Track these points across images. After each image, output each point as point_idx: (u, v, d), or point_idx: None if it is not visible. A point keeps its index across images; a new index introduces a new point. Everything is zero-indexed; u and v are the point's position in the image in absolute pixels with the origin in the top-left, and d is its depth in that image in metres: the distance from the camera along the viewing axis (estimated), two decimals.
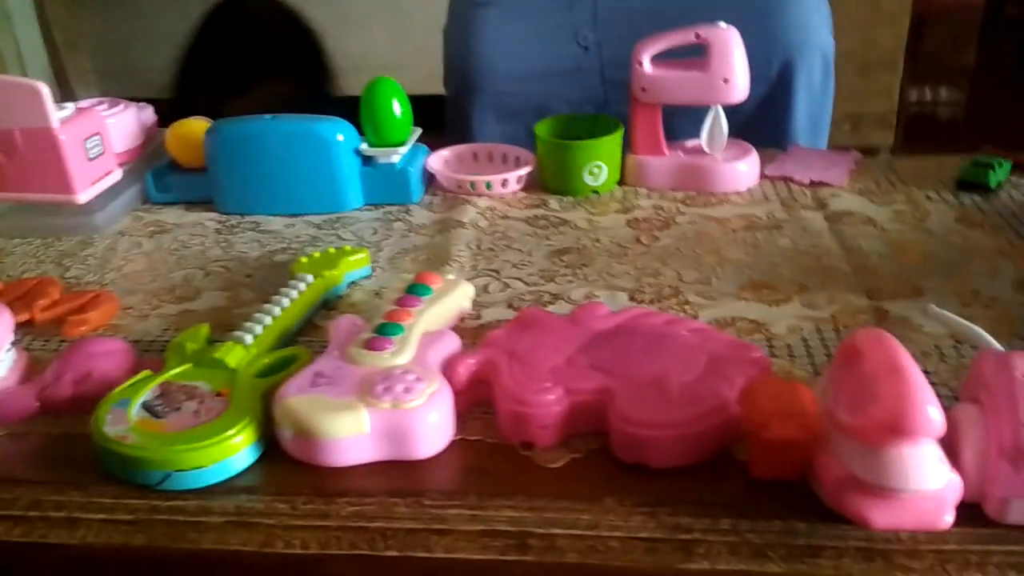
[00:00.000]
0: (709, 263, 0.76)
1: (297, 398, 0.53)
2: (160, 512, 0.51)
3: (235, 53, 2.29)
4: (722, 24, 0.86)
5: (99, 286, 0.77)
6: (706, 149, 0.92)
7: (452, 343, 0.60)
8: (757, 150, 0.93)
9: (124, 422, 0.54)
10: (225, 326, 0.67)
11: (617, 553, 0.47)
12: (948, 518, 0.46)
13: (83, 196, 0.84)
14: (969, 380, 0.51)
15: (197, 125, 0.92)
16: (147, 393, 0.56)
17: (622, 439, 0.52)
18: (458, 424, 0.56)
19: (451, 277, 0.68)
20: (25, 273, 0.80)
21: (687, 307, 0.69)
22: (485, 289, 0.73)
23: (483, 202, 0.91)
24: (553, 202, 0.90)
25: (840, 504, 0.47)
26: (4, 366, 0.61)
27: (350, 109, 0.91)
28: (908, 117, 2.66)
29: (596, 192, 0.92)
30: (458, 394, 0.56)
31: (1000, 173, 0.88)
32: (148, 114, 0.99)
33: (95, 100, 0.94)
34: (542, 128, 0.94)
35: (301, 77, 2.33)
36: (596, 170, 0.90)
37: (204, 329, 0.63)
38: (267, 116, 0.89)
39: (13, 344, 0.62)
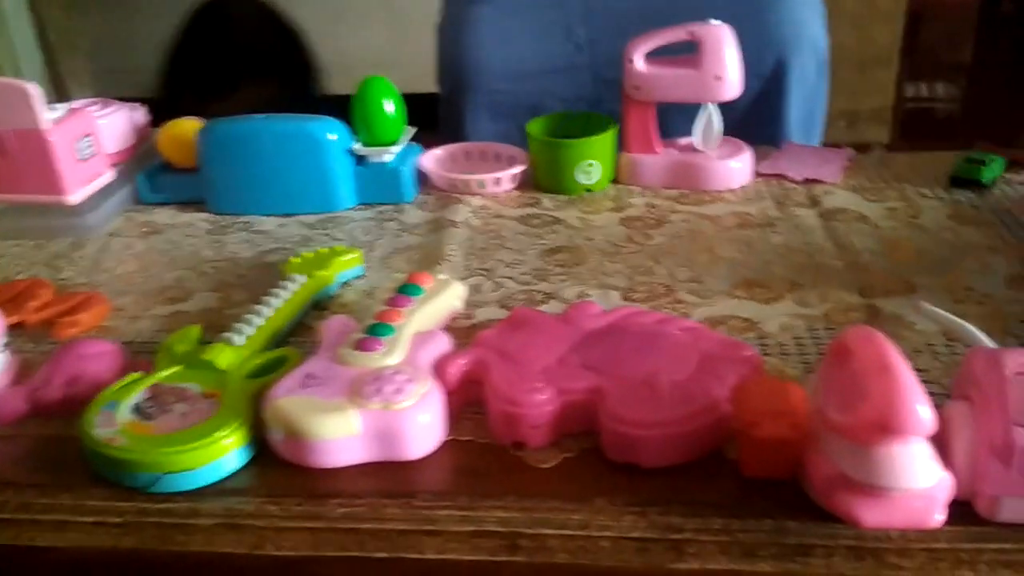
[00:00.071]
0: (702, 261, 0.76)
1: (287, 399, 0.53)
2: (150, 515, 0.51)
3: (218, 54, 2.29)
4: (714, 21, 0.86)
5: (90, 288, 0.77)
6: (699, 147, 0.91)
7: (443, 343, 0.60)
8: (751, 147, 0.93)
9: (113, 424, 0.53)
10: (217, 327, 0.67)
11: (608, 553, 0.47)
12: (939, 516, 0.46)
13: (74, 197, 0.84)
14: (960, 378, 0.51)
15: (189, 125, 0.91)
16: (137, 395, 0.56)
17: (613, 439, 0.52)
18: (449, 424, 0.56)
19: (443, 277, 0.68)
20: (17, 275, 0.80)
21: (679, 306, 0.69)
22: (477, 289, 0.73)
23: (476, 201, 0.90)
24: (546, 201, 0.90)
25: (830, 503, 0.47)
26: None
27: (343, 108, 0.91)
28: (905, 113, 2.66)
29: (589, 191, 0.92)
30: (449, 394, 0.56)
31: (993, 169, 0.88)
32: (140, 114, 0.99)
33: (87, 101, 0.94)
34: (535, 127, 0.94)
35: (285, 77, 2.33)
36: (589, 168, 0.90)
37: (195, 330, 0.63)
38: (259, 116, 0.88)
39: (4, 346, 0.62)
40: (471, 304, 0.71)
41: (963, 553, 0.46)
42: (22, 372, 0.63)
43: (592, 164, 0.90)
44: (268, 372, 0.58)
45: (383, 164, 0.89)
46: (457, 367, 0.57)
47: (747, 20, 0.95)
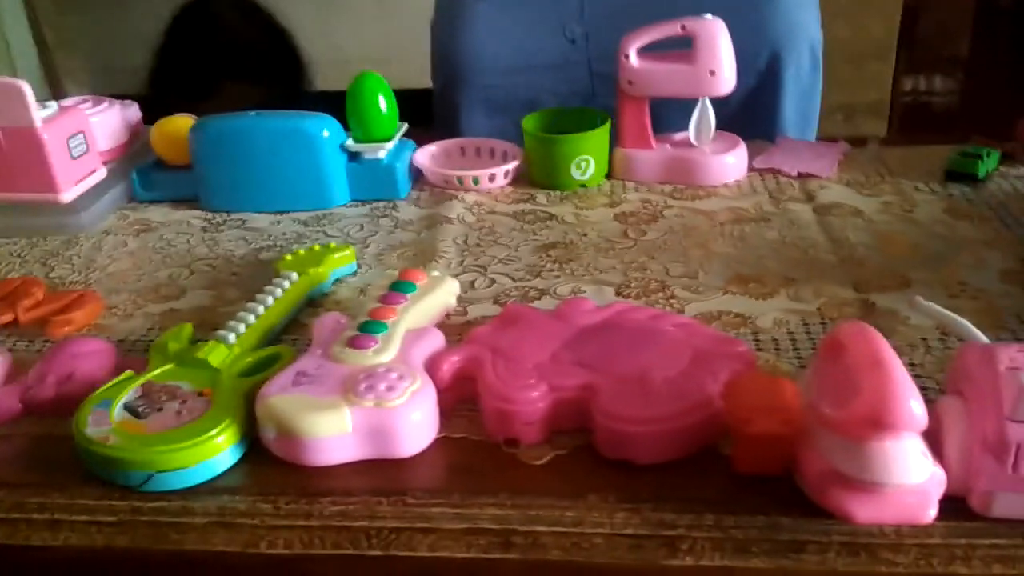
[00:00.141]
0: (696, 257, 0.76)
1: (279, 397, 0.53)
2: (142, 513, 0.51)
3: (203, 53, 2.28)
4: (708, 16, 0.86)
5: (84, 286, 0.77)
6: (694, 142, 0.91)
7: (436, 340, 0.60)
8: (746, 142, 0.93)
9: (106, 423, 0.53)
10: (210, 325, 0.67)
11: (601, 550, 0.47)
12: (931, 512, 0.46)
13: (67, 195, 0.84)
14: (953, 373, 0.51)
15: (182, 122, 0.91)
16: (129, 394, 0.56)
17: (606, 435, 0.52)
18: (443, 421, 0.56)
19: (436, 274, 0.68)
20: (9, 273, 0.80)
21: (673, 301, 0.69)
22: (471, 285, 0.73)
23: (470, 197, 0.90)
24: (541, 196, 0.90)
25: (823, 499, 0.47)
26: None
27: (336, 104, 0.91)
28: (902, 107, 2.66)
29: (584, 186, 0.91)
30: (442, 391, 0.56)
31: (989, 163, 0.88)
32: (133, 112, 0.98)
33: (79, 99, 0.94)
34: (529, 122, 0.93)
35: (274, 75, 2.32)
36: (584, 164, 0.90)
37: (187, 328, 0.63)
38: (252, 112, 0.88)
39: None
40: (465, 300, 0.71)
41: (956, 549, 0.46)
42: (15, 371, 0.63)
43: (586, 160, 0.90)
44: (261, 370, 0.58)
45: (377, 160, 0.89)
46: (450, 364, 0.57)
47: (742, 15, 0.95)
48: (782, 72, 1.10)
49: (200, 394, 0.56)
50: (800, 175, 0.91)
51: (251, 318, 0.63)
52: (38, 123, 0.81)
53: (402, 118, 0.93)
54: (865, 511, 0.45)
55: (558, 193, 0.91)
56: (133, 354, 0.66)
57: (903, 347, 0.61)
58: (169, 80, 2.31)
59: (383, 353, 0.56)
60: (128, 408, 0.55)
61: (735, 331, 0.64)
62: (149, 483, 0.52)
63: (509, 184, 0.93)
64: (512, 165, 0.92)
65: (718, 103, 0.90)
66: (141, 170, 0.93)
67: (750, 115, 1.09)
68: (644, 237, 0.80)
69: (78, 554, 0.50)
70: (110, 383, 0.57)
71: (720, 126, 0.91)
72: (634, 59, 0.88)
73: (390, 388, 0.53)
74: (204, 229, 0.87)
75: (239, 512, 0.51)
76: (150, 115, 0.99)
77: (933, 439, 0.47)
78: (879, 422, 0.42)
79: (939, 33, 2.70)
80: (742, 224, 0.81)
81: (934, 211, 0.82)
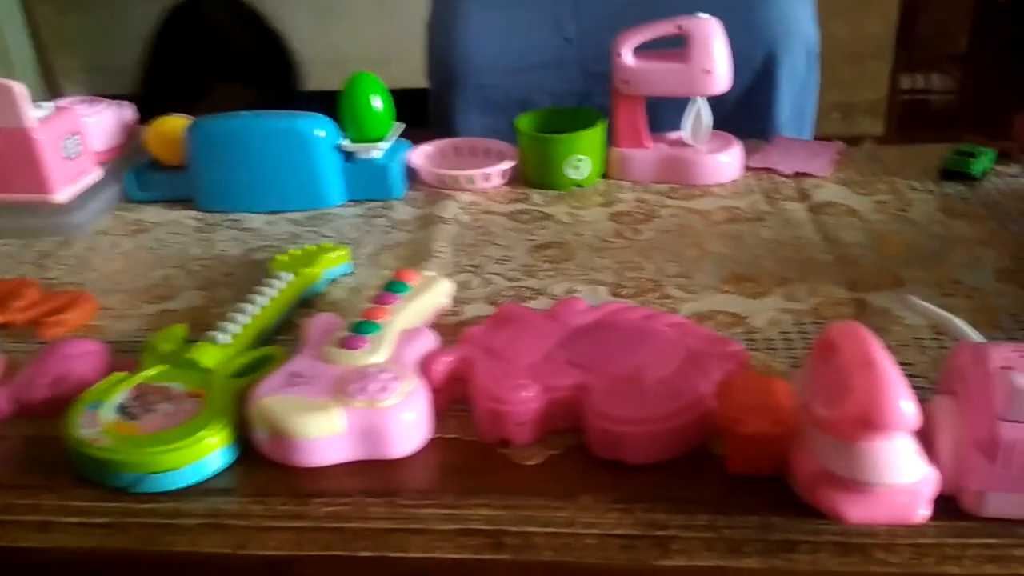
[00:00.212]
0: (691, 256, 0.76)
1: (271, 398, 0.53)
2: (134, 515, 0.51)
3: (194, 55, 2.27)
4: (703, 15, 0.86)
5: (78, 287, 0.77)
6: (689, 141, 0.91)
7: (429, 341, 0.60)
8: (741, 142, 0.93)
9: (97, 424, 0.53)
10: (203, 325, 0.67)
11: (593, 550, 0.47)
12: (923, 512, 0.46)
13: (61, 196, 0.84)
14: (945, 372, 0.51)
15: (177, 123, 0.91)
16: (121, 395, 0.56)
17: (598, 435, 0.52)
18: (435, 422, 0.56)
19: (430, 274, 0.67)
20: (3, 274, 0.79)
21: (668, 301, 0.69)
22: (466, 285, 0.73)
23: (465, 197, 0.90)
24: (536, 196, 0.90)
25: (815, 499, 0.47)
26: None
27: (331, 104, 0.91)
28: (900, 105, 2.65)
29: (579, 186, 0.91)
30: (435, 392, 0.56)
31: (984, 162, 0.88)
32: (128, 112, 0.98)
33: (73, 99, 0.94)
34: (524, 122, 0.93)
35: (265, 76, 2.31)
36: (578, 164, 0.90)
37: (180, 329, 0.63)
38: (246, 113, 0.88)
39: None
40: (459, 301, 0.70)
41: (949, 548, 0.46)
42: (7, 372, 0.63)
43: (581, 159, 0.90)
44: (253, 371, 0.58)
45: (371, 160, 0.89)
46: (443, 364, 0.57)
47: (737, 14, 0.95)
48: (777, 71, 1.10)
49: (192, 395, 0.55)
50: (795, 174, 0.91)
51: (244, 319, 0.63)
52: (32, 124, 0.81)
53: (401, 118, 0.93)
54: (857, 511, 0.45)
55: (553, 193, 0.90)
56: (126, 355, 0.65)
57: (897, 346, 0.61)
58: (162, 81, 2.31)
59: (375, 354, 0.56)
60: (120, 409, 0.54)
61: (729, 331, 0.64)
62: (141, 484, 0.52)
63: (504, 184, 0.93)
64: (507, 165, 0.92)
65: (713, 102, 0.90)
66: (136, 170, 0.93)
67: (746, 114, 1.09)
68: (639, 237, 0.80)
69: (69, 556, 0.50)
70: (102, 384, 0.57)
71: (716, 125, 0.91)
72: (629, 58, 0.88)
73: (382, 389, 0.53)
74: (198, 229, 0.87)
75: (231, 513, 0.51)
76: (144, 115, 0.99)
77: (926, 438, 0.47)
78: (870, 422, 0.42)
79: (938, 31, 2.70)
80: (737, 223, 0.81)
81: (929, 210, 0.82)
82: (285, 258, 0.73)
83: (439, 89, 1.20)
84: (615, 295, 0.70)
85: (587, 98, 1.12)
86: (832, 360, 0.46)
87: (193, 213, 0.90)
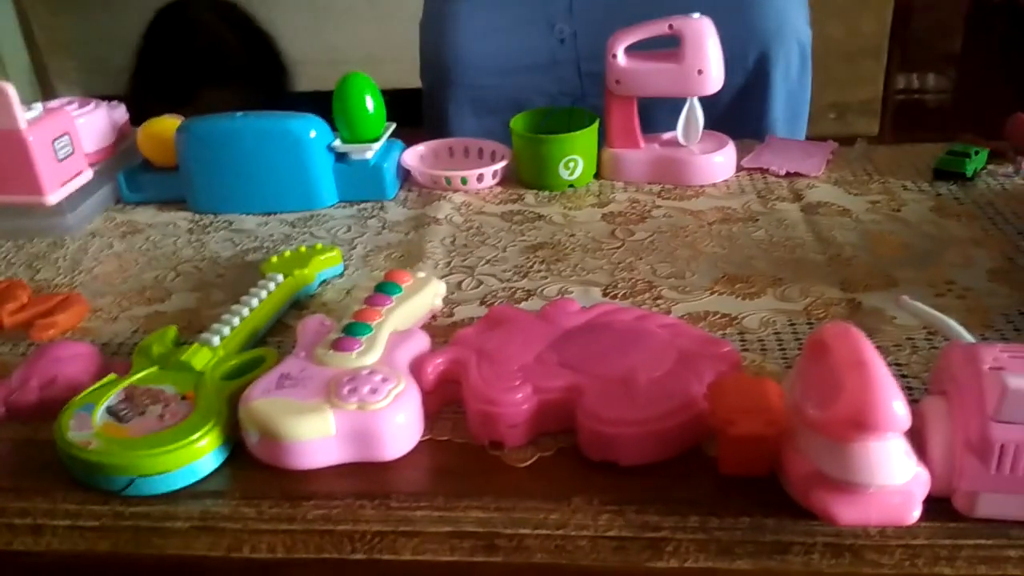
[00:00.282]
0: (684, 257, 0.76)
1: (262, 400, 0.53)
2: (125, 518, 0.51)
3: (182, 57, 2.27)
4: (695, 15, 0.85)
5: (69, 288, 0.77)
6: (682, 141, 0.91)
7: (421, 342, 0.59)
8: (734, 142, 0.93)
9: (88, 427, 0.53)
10: (195, 327, 0.67)
11: (585, 552, 0.47)
12: (915, 513, 0.46)
13: (53, 197, 0.83)
14: (937, 373, 0.51)
15: (169, 124, 0.91)
16: (112, 397, 0.55)
17: (590, 437, 0.52)
18: (427, 424, 0.56)
19: (422, 275, 0.67)
20: None
21: (660, 302, 0.69)
22: (458, 286, 0.73)
23: (458, 198, 0.90)
24: (529, 197, 0.90)
25: (807, 500, 0.46)
26: None
27: (324, 105, 0.91)
28: (896, 104, 2.66)
29: (572, 186, 0.91)
30: (428, 394, 0.56)
31: (977, 161, 0.88)
32: (120, 113, 0.98)
33: (64, 100, 0.93)
34: (517, 122, 0.93)
35: (253, 79, 2.31)
36: (572, 164, 0.89)
37: (171, 331, 0.62)
38: (238, 113, 0.88)
39: None
40: (452, 302, 0.70)
41: (941, 549, 0.46)
42: None
43: (575, 160, 0.89)
44: (245, 373, 0.58)
45: (364, 161, 0.89)
46: (434, 366, 0.56)
47: (730, 13, 0.95)
48: (771, 71, 1.10)
49: (183, 397, 0.55)
50: (788, 174, 0.91)
51: (235, 321, 0.63)
52: (23, 125, 0.80)
53: (396, 118, 0.93)
54: (849, 512, 0.45)
55: (546, 193, 0.90)
56: (118, 357, 0.65)
57: (889, 346, 0.61)
58: (150, 83, 2.30)
59: (367, 355, 0.56)
60: (110, 412, 0.54)
61: (722, 331, 0.64)
62: (131, 487, 0.51)
63: (497, 184, 0.93)
64: (500, 165, 0.92)
65: (707, 102, 0.90)
66: (128, 172, 0.93)
67: (739, 114, 1.09)
68: (632, 237, 0.80)
69: (61, 559, 0.50)
70: (93, 387, 0.56)
71: (709, 125, 0.91)
72: (621, 58, 0.88)
73: (373, 391, 0.53)
74: (191, 231, 0.86)
75: (222, 516, 0.50)
76: (135, 117, 0.99)
77: (917, 439, 0.47)
78: (861, 423, 0.42)
79: (933, 30, 2.70)
80: (730, 224, 0.81)
81: (922, 210, 0.82)
82: (277, 260, 0.73)
83: (432, 90, 1.20)
84: (608, 296, 0.70)
85: (581, 98, 1.12)
86: (824, 361, 0.46)
87: (185, 214, 0.90)
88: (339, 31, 2.67)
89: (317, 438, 0.52)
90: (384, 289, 0.63)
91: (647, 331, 0.59)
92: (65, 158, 0.85)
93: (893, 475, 0.44)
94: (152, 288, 0.76)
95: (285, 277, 0.70)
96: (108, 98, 0.99)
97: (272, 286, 0.68)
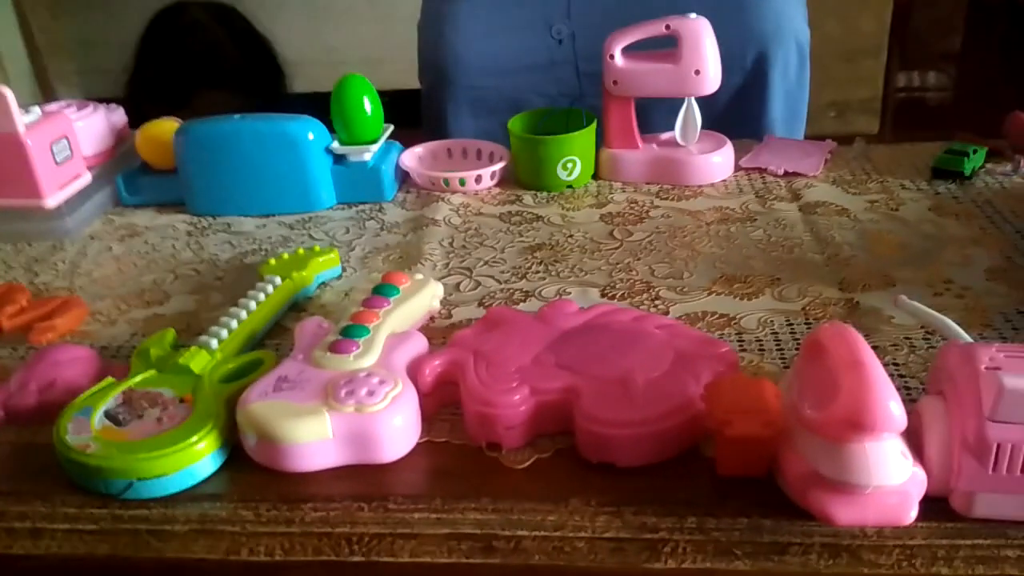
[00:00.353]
0: (682, 257, 0.76)
1: (260, 403, 0.53)
2: (123, 521, 0.51)
3: (178, 60, 2.27)
4: (692, 15, 0.85)
5: (68, 291, 0.77)
6: (680, 141, 0.91)
7: (419, 344, 0.59)
8: (733, 141, 0.93)
9: (86, 431, 0.53)
10: (194, 330, 0.67)
11: (583, 554, 0.47)
12: (912, 513, 0.46)
13: (51, 200, 0.84)
14: (934, 373, 0.51)
15: (167, 126, 0.91)
16: (110, 401, 0.55)
17: (588, 438, 0.52)
18: (425, 426, 0.56)
19: (420, 277, 0.67)
20: None
21: (658, 302, 0.69)
22: (457, 287, 0.73)
23: (457, 199, 0.90)
24: (528, 198, 0.90)
25: (804, 500, 0.46)
26: None
27: (323, 106, 0.91)
28: (896, 103, 2.65)
29: (571, 187, 0.91)
30: (425, 396, 0.56)
31: (975, 160, 0.88)
32: (118, 116, 0.98)
33: (63, 103, 0.93)
34: (515, 123, 0.93)
35: (249, 82, 2.30)
36: (570, 165, 0.89)
37: (169, 334, 0.63)
38: (236, 116, 0.88)
39: None
40: (450, 303, 0.70)
41: (938, 549, 0.46)
42: None
43: (573, 160, 0.89)
44: (243, 375, 0.58)
45: (362, 163, 0.89)
46: (432, 368, 0.56)
47: (728, 13, 0.95)
48: (769, 70, 1.10)
49: (181, 400, 0.55)
50: (787, 174, 0.91)
51: (233, 323, 0.63)
52: (21, 129, 0.80)
53: (396, 119, 0.93)
54: (846, 513, 0.45)
55: (545, 194, 0.90)
56: (116, 360, 0.65)
57: (887, 346, 0.61)
58: (147, 86, 2.30)
59: (364, 357, 0.56)
60: (109, 415, 0.54)
61: (719, 332, 0.64)
62: (130, 491, 0.51)
63: (496, 185, 0.93)
64: (498, 166, 0.92)
65: (705, 102, 0.90)
66: (126, 174, 0.93)
67: (738, 114, 1.09)
68: (630, 238, 0.80)
69: (60, 562, 0.50)
70: (91, 390, 0.56)
71: (708, 125, 0.91)
72: (619, 59, 0.88)
73: (371, 393, 0.53)
74: (189, 233, 0.87)
75: (220, 519, 0.50)
76: (132, 120, 0.99)
77: (915, 439, 0.47)
78: (857, 424, 0.42)
79: (933, 28, 2.70)
80: (728, 224, 0.81)
81: (920, 209, 0.82)
82: (275, 262, 0.73)
83: (431, 90, 1.20)
84: (605, 296, 0.70)
85: (580, 99, 1.12)
86: (820, 361, 0.46)
87: (184, 217, 0.90)
88: (338, 32, 2.67)
89: (315, 441, 0.52)
90: (381, 291, 0.63)
91: (645, 332, 0.59)
92: (63, 161, 0.85)
93: (889, 475, 0.44)
94: (151, 291, 0.76)
95: (283, 279, 0.70)
96: (108, 100, 0.99)
97: (270, 288, 0.68)
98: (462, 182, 0.91)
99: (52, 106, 0.91)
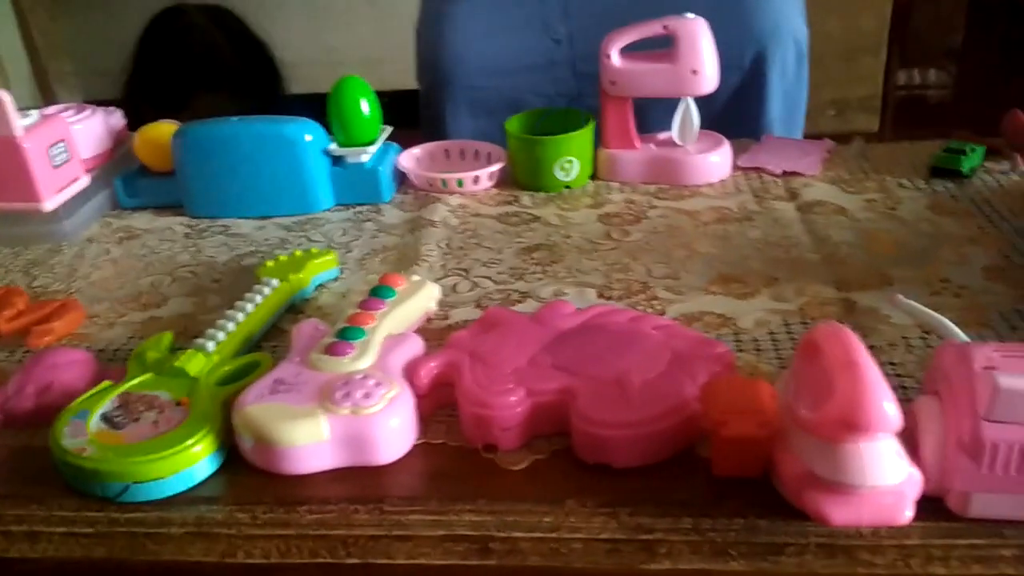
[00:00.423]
0: (679, 257, 0.76)
1: (256, 406, 0.53)
2: (120, 524, 0.51)
3: (176, 63, 2.27)
4: (689, 15, 0.85)
5: (66, 294, 0.77)
6: (677, 141, 0.91)
7: (415, 346, 0.59)
8: (731, 141, 0.93)
9: (83, 434, 0.53)
10: (191, 332, 0.67)
11: (579, 555, 0.47)
12: (907, 513, 0.45)
13: (49, 204, 0.84)
14: (930, 372, 0.51)
15: (166, 129, 0.91)
16: (107, 404, 0.56)
17: (583, 439, 0.52)
18: (422, 428, 0.56)
19: (416, 278, 0.67)
20: None
21: (655, 303, 0.69)
22: (454, 289, 0.73)
23: (454, 200, 0.90)
24: (525, 198, 0.90)
25: (799, 501, 0.46)
26: None
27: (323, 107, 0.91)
28: (896, 101, 2.65)
29: (568, 187, 0.91)
30: (422, 397, 0.56)
31: (973, 159, 0.88)
32: (117, 118, 0.98)
33: (61, 106, 0.93)
34: (512, 124, 0.93)
35: (247, 85, 2.30)
36: (567, 165, 0.89)
37: (166, 337, 0.63)
38: (234, 118, 0.88)
39: None
40: (447, 305, 0.70)
41: (934, 549, 0.46)
42: None
43: (570, 161, 0.89)
44: (240, 378, 0.58)
45: (360, 164, 0.89)
46: (428, 370, 0.56)
47: (726, 13, 0.95)
48: (767, 70, 1.10)
49: (178, 403, 0.55)
50: (785, 173, 0.91)
51: (230, 326, 0.63)
52: (18, 132, 0.80)
53: (396, 119, 0.93)
54: (841, 513, 0.45)
55: (542, 195, 0.90)
56: (114, 363, 0.65)
57: (884, 346, 0.61)
58: (145, 88, 2.31)
59: (361, 360, 0.56)
60: (105, 419, 0.54)
61: (716, 332, 0.64)
62: (126, 494, 0.51)
63: (493, 186, 0.93)
64: (496, 167, 0.92)
65: (703, 102, 0.89)
66: (125, 177, 0.93)
67: (736, 114, 1.09)
68: (627, 238, 0.80)
69: (57, 566, 0.50)
70: (87, 393, 0.57)
71: (706, 125, 0.91)
72: (616, 59, 0.88)
73: (367, 395, 0.53)
74: (187, 236, 0.87)
75: (216, 522, 0.51)
76: (130, 123, 0.99)
77: (910, 439, 0.47)
78: (851, 424, 0.42)
79: (933, 26, 2.69)
80: (725, 224, 0.81)
81: (918, 208, 0.82)
82: (272, 264, 0.73)
83: (429, 91, 1.20)
84: (603, 297, 0.70)
85: (578, 99, 1.12)
86: (815, 361, 0.46)
87: (182, 219, 0.90)
88: (337, 32, 2.68)
89: (311, 443, 0.52)
90: (378, 293, 0.64)
91: (641, 333, 0.59)
92: (61, 164, 0.85)
93: (884, 476, 0.44)
94: (148, 293, 0.76)
95: (280, 282, 0.70)
96: (109, 103, 0.99)
97: (267, 291, 0.68)
98: (460, 183, 0.91)
99: (50, 109, 0.92)
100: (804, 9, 1.15)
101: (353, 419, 0.52)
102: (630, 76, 0.88)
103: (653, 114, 0.94)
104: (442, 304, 0.70)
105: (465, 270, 0.76)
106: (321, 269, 0.74)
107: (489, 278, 0.74)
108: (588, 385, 0.53)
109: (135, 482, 0.51)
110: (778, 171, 0.91)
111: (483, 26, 1.14)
